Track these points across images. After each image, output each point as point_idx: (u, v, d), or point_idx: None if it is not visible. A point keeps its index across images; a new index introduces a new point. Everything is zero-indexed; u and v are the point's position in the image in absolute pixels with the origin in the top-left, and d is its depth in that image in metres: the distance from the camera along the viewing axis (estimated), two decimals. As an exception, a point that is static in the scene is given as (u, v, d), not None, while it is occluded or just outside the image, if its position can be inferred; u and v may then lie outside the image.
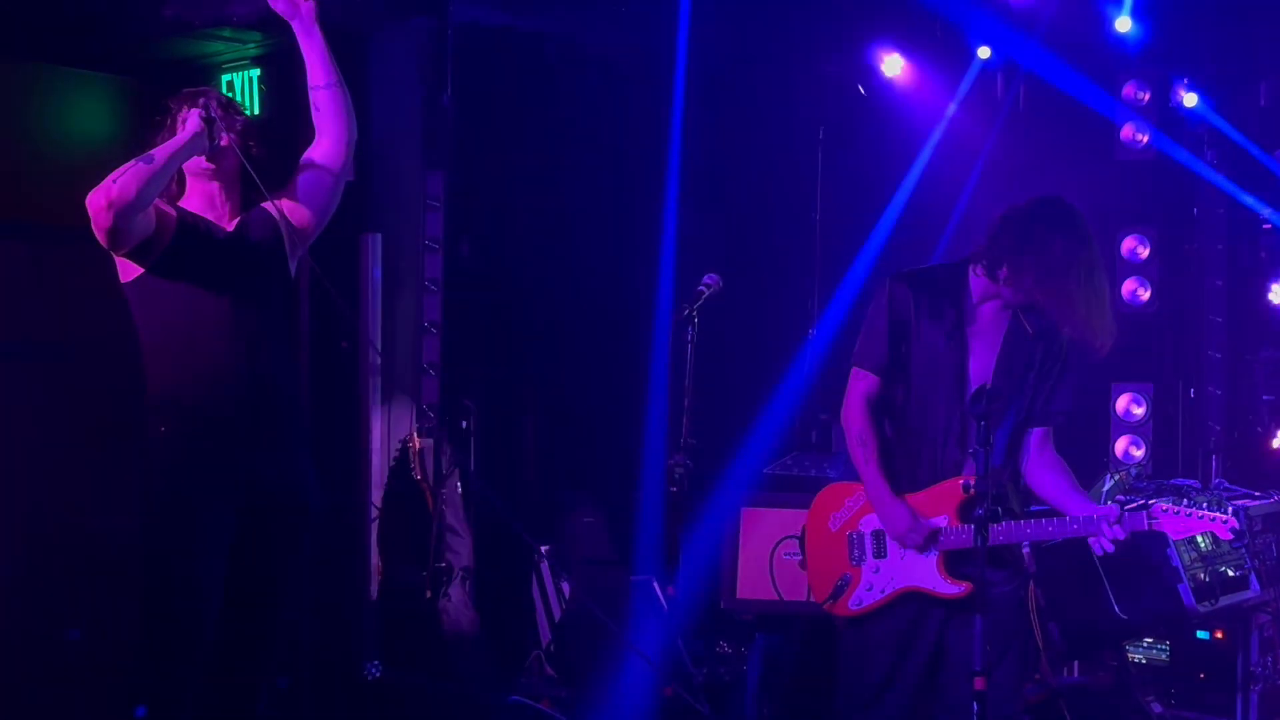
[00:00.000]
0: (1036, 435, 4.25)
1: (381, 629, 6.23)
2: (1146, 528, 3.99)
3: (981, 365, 4.19)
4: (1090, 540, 4.13)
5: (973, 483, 3.98)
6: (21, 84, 6.10)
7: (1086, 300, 4.03)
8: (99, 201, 3.81)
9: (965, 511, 4.14)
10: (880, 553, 4.30)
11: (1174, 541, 5.66)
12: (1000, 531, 4.07)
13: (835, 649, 4.48)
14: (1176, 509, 4.00)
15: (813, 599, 4.51)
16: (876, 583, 4.29)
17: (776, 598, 5.85)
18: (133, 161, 3.85)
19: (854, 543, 4.35)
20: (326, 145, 4.22)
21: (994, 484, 4.07)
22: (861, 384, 4.29)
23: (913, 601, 4.24)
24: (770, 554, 5.96)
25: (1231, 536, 4.02)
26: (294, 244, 4.22)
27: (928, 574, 4.20)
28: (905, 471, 4.26)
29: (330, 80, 4.17)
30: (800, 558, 5.63)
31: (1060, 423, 4.28)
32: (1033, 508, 4.38)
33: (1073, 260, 4.01)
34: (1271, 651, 5.86)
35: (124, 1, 5.61)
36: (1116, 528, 4.00)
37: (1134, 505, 4.05)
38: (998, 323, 4.21)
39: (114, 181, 3.81)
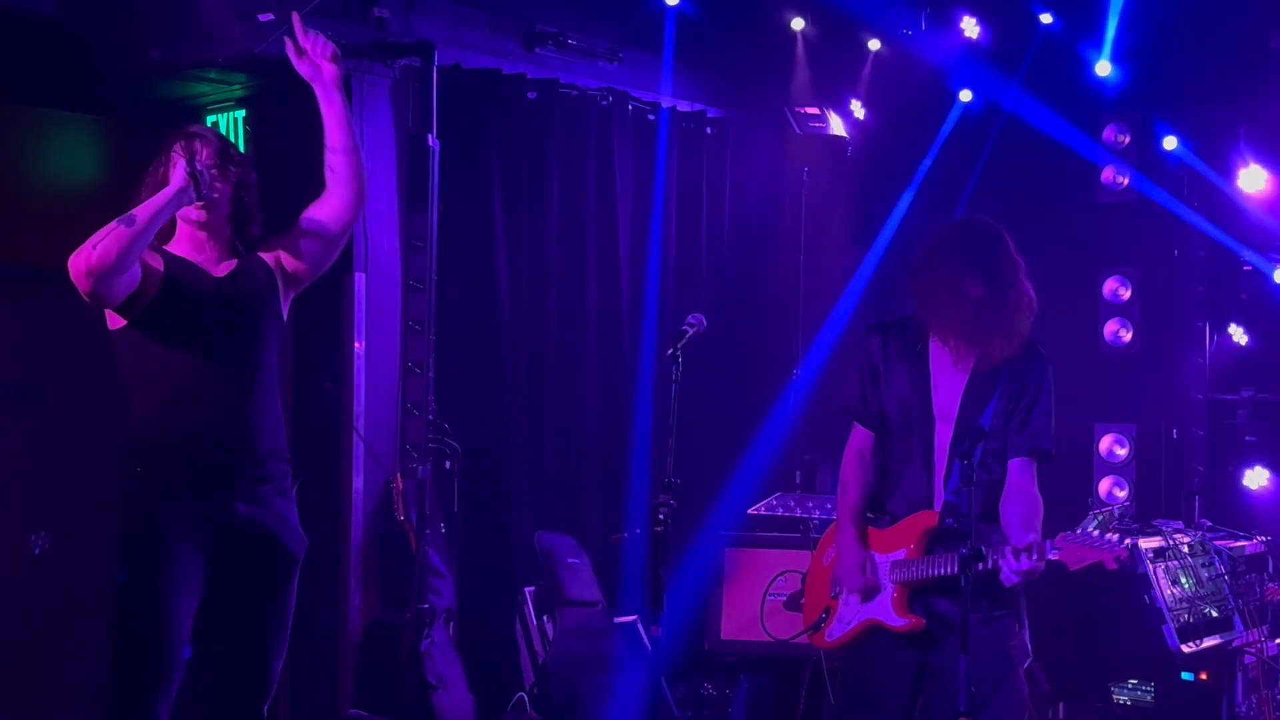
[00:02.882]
0: (1012, 466, 4.20)
1: (363, 671, 6.19)
2: (1050, 555, 3.94)
3: (948, 399, 4.24)
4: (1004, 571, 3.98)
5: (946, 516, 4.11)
6: (5, 125, 6.10)
7: (946, 301, 4.15)
8: (79, 267, 3.77)
9: (927, 543, 4.20)
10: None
11: (1157, 582, 5.68)
12: (923, 565, 4.15)
13: (821, 691, 4.51)
14: (1077, 537, 3.94)
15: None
16: (845, 615, 4.36)
17: (762, 638, 5.85)
18: (113, 224, 3.81)
19: (836, 577, 4.42)
20: (335, 205, 4.22)
21: (954, 515, 4.15)
22: (854, 436, 4.44)
23: (883, 641, 4.26)
24: (763, 594, 5.96)
25: (1116, 566, 3.91)
26: (288, 289, 4.22)
27: (882, 607, 4.25)
28: (890, 509, 4.32)
29: (347, 145, 4.18)
30: (784, 598, 5.68)
31: (1039, 455, 4.19)
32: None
33: (928, 265, 4.22)
34: (1256, 692, 5.85)
35: (109, 43, 5.61)
36: (1021, 559, 3.91)
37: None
38: (964, 357, 4.23)
39: (94, 247, 3.77)
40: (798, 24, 7.43)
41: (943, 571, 4.08)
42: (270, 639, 4.13)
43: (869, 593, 4.27)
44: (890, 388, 4.31)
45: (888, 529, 4.31)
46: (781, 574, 6.02)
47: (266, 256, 4.16)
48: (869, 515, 4.37)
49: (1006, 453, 4.20)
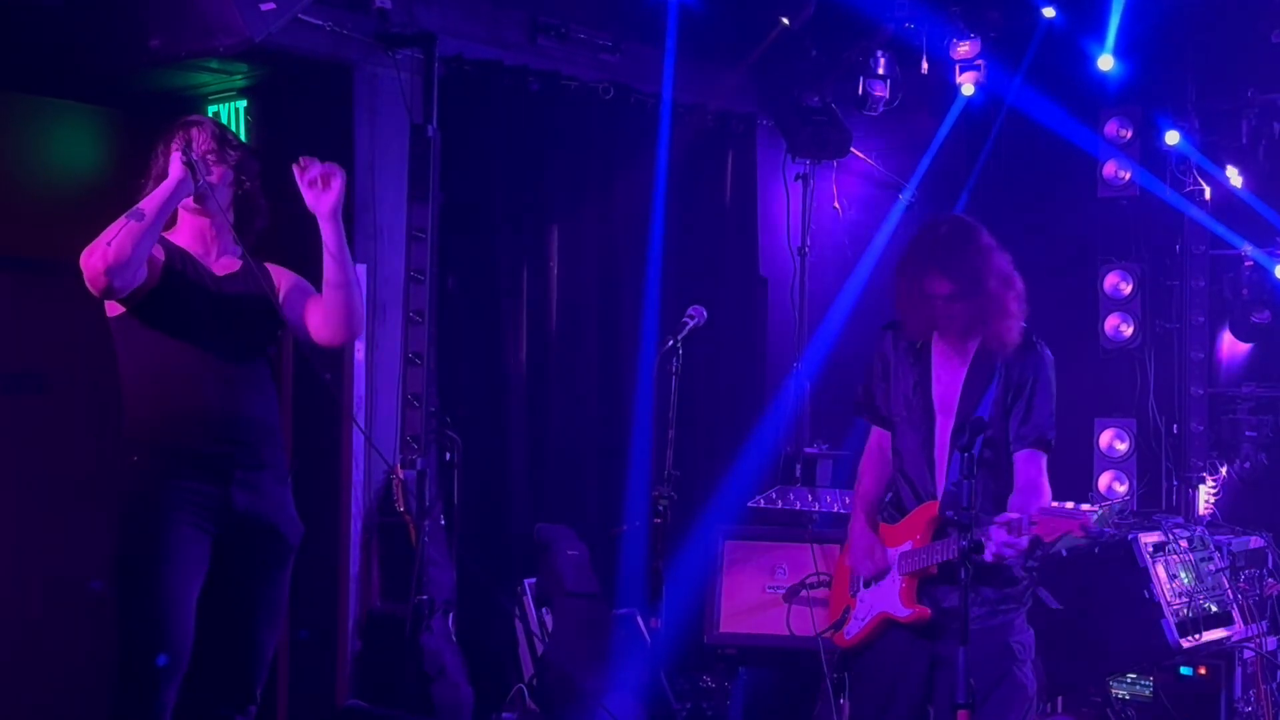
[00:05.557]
0: (1018, 459, 4.25)
1: (362, 661, 6.19)
2: (1029, 531, 3.96)
3: (948, 393, 4.31)
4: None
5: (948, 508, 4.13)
6: (5, 114, 6.08)
7: (916, 302, 4.23)
8: (96, 265, 3.77)
9: (932, 533, 4.25)
10: (867, 583, 4.43)
11: (1156, 577, 5.68)
12: (925, 553, 4.20)
13: (819, 684, 4.54)
14: (1054, 510, 3.96)
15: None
16: (860, 612, 4.42)
17: (761, 631, 5.85)
18: (122, 220, 3.82)
19: (854, 576, 4.50)
20: (320, 327, 4.15)
21: (953, 506, 4.14)
22: (874, 431, 4.56)
23: (896, 636, 4.29)
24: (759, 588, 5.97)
25: (1082, 535, 3.91)
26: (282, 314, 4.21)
27: (891, 599, 4.30)
28: (902, 504, 4.40)
29: (341, 281, 4.10)
30: (784, 590, 5.73)
31: (1045, 446, 4.23)
32: None
33: (900, 270, 4.29)
34: (1255, 687, 5.85)
35: (109, 32, 5.59)
36: (1001, 533, 3.94)
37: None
38: (961, 351, 4.31)
39: (109, 244, 3.77)
40: (802, 18, 7.40)
41: (941, 558, 4.14)
42: (264, 625, 4.15)
43: (877, 578, 4.32)
44: (897, 384, 4.40)
45: (897, 523, 4.38)
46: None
47: (277, 277, 4.18)
48: (886, 511, 4.45)
49: (1010, 444, 4.25)
